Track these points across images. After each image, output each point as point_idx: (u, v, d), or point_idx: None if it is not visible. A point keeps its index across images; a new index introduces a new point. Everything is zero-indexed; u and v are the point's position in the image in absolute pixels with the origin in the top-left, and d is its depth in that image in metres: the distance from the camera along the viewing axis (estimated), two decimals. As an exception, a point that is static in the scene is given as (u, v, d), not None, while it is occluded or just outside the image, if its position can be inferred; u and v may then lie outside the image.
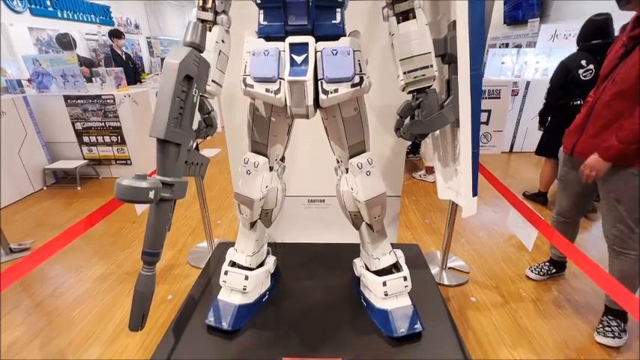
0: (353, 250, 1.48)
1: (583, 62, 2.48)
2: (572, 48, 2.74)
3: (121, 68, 3.85)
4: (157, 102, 0.82)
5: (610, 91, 1.42)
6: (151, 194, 0.79)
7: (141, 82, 5.14)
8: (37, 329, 1.66)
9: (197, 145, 1.70)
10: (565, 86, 2.58)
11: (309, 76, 0.87)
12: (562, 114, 2.66)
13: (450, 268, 2.04)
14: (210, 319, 1.28)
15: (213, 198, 3.16)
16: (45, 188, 3.51)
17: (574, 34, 3.30)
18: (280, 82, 0.92)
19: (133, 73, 4.99)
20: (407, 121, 0.98)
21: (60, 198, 3.30)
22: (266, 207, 1.25)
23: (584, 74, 2.48)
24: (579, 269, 1.98)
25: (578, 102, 2.49)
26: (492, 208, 2.92)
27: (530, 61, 4.49)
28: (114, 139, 3.61)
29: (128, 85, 4.03)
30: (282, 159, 1.26)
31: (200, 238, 2.44)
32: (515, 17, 5.88)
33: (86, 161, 3.65)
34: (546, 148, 2.91)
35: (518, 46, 5.56)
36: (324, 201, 1.94)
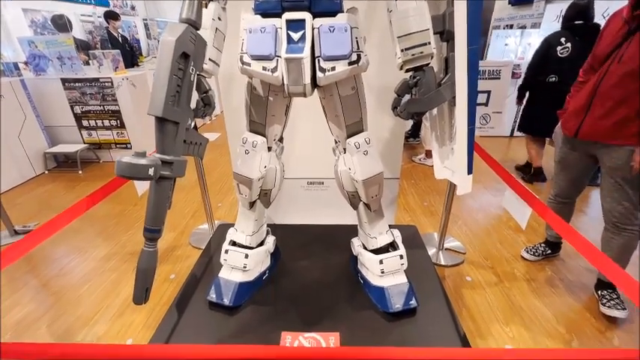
0: (351, 231, 1.51)
1: (562, 40, 2.64)
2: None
3: (118, 50, 3.79)
4: (154, 80, 0.83)
5: (617, 71, 1.41)
6: (151, 171, 0.80)
7: (138, 65, 5.08)
8: (46, 307, 1.72)
9: (196, 126, 1.70)
10: (543, 63, 2.72)
11: (306, 54, 0.87)
12: (538, 90, 2.82)
13: (446, 249, 2.08)
14: (212, 296, 1.32)
15: (213, 182, 3.18)
16: (46, 172, 3.53)
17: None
18: (277, 60, 0.92)
19: (130, 56, 4.92)
20: (404, 99, 0.98)
21: (62, 181, 3.33)
22: (265, 187, 1.27)
23: (561, 51, 2.65)
24: (573, 249, 2.01)
25: (553, 79, 2.65)
26: (490, 192, 2.94)
27: (534, 43, 4.40)
28: (113, 122, 3.60)
29: (126, 68, 3.98)
30: (281, 139, 1.27)
31: (201, 220, 2.48)
32: (520, -3, 5.71)
33: (86, 145, 3.66)
34: (526, 124, 3.04)
35: (523, 27, 5.43)
36: (323, 183, 1.96)
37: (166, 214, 0.93)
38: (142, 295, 0.92)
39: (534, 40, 4.44)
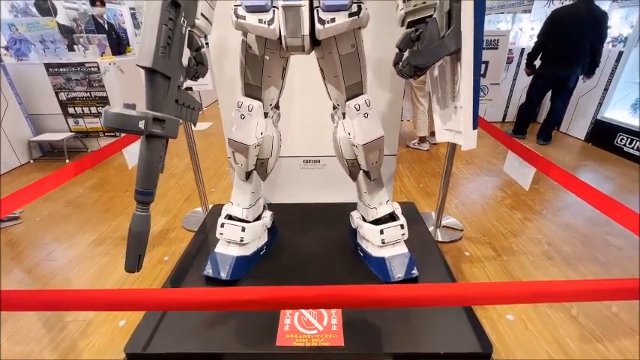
0: (349, 209, 1.48)
1: None
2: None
3: (104, 35, 3.67)
4: (143, 29, 0.77)
5: None
6: (141, 124, 0.76)
7: (126, 54, 4.93)
8: (33, 289, 1.65)
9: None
10: None
11: (304, 1, 0.82)
12: None
13: (444, 226, 2.07)
14: (209, 271, 1.28)
15: (206, 168, 3.11)
16: (32, 161, 3.41)
17: (571, -2, 3.29)
18: (274, 12, 0.87)
19: (117, 44, 4.77)
20: (406, 54, 0.95)
21: (48, 171, 3.21)
22: (261, 156, 1.23)
23: None
24: (569, 222, 2.01)
25: None
26: (485, 173, 2.94)
27: (526, 28, 4.41)
28: (100, 109, 3.48)
29: (113, 55, 3.85)
30: (277, 106, 1.23)
31: (194, 205, 2.42)
32: (511, -16, 5.71)
33: (73, 133, 3.54)
34: None
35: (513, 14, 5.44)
36: (319, 161, 1.92)
37: (158, 177, 0.88)
38: (134, 261, 0.87)
39: (526, 25, 4.45)
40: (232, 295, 0.62)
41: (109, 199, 2.58)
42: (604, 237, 1.97)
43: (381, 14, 1.28)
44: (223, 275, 1.26)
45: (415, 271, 1.25)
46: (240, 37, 1.03)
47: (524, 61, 3.80)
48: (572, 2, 3.29)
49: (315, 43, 0.95)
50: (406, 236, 1.30)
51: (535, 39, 3.48)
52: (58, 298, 0.61)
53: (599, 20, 3.13)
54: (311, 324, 1.09)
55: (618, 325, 1.40)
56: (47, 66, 3.26)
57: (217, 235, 1.32)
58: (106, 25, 4.68)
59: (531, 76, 3.66)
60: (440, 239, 1.97)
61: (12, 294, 0.59)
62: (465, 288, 0.65)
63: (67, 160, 3.39)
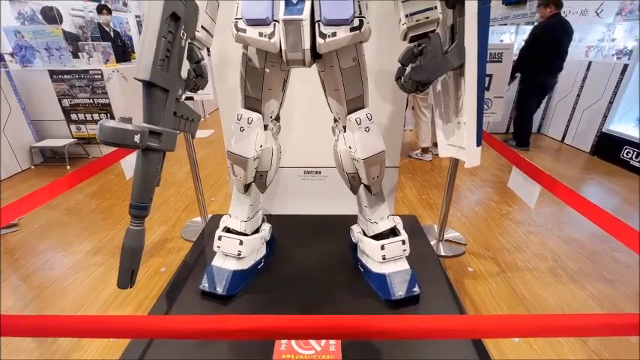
0: (350, 221, 1.45)
1: None
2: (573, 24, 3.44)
3: (109, 43, 3.70)
4: (142, 42, 0.76)
5: None
6: (137, 138, 0.74)
7: (130, 61, 4.97)
8: (27, 300, 1.63)
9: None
10: None
11: (305, 15, 0.81)
12: None
13: (446, 240, 2.03)
14: (205, 285, 1.25)
15: (207, 176, 3.10)
16: (33, 167, 3.41)
17: (573, 11, 3.31)
18: (275, 25, 0.86)
19: (122, 51, 4.82)
20: (408, 69, 0.93)
21: (48, 177, 3.21)
22: (260, 169, 1.21)
23: None
24: (573, 237, 1.97)
25: None
26: (489, 185, 2.91)
27: (529, 40, 4.41)
28: (103, 116, 3.49)
29: (117, 62, 3.88)
30: (277, 118, 1.21)
31: (194, 214, 2.40)
32: (514, -4, 5.74)
33: (75, 140, 3.54)
34: None
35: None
36: (320, 172, 1.90)
37: (154, 191, 0.87)
38: (127, 277, 0.85)
39: (529, 37, 4.45)
40: (222, 324, 0.59)
41: (108, 206, 2.56)
42: (611, 253, 1.93)
43: (382, 26, 1.27)
44: (219, 290, 1.23)
45: (417, 289, 1.21)
46: (241, 49, 1.03)
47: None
48: (546, 19, 3.57)
49: (316, 56, 0.94)
50: (407, 252, 1.27)
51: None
52: (46, 324, 0.59)
53: (570, 33, 3.53)
54: (308, 344, 1.05)
55: (626, 346, 1.35)
56: (51, 73, 3.29)
57: (214, 248, 1.30)
58: (111, 33, 4.74)
59: (517, 89, 4.00)
60: (442, 253, 1.93)
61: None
62: (468, 321, 0.62)
63: (68, 167, 3.39)
